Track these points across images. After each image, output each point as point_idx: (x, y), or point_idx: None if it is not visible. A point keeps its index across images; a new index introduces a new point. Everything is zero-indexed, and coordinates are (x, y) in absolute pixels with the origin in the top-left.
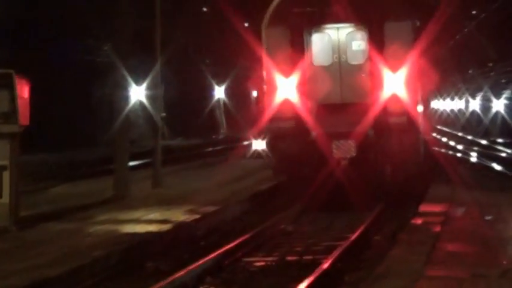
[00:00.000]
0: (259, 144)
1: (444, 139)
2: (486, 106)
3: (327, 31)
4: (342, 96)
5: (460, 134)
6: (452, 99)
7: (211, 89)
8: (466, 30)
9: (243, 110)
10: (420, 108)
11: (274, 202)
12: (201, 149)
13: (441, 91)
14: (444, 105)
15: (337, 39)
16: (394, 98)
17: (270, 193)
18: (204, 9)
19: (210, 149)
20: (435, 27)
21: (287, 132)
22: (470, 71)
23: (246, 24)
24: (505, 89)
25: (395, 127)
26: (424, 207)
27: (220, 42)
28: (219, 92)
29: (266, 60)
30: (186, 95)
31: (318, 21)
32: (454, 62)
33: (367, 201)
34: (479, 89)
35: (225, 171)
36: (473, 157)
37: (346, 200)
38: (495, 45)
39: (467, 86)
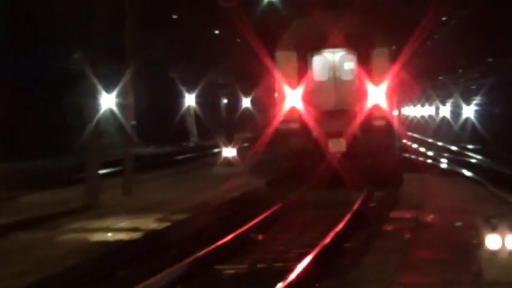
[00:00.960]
0: (229, 152)
1: (415, 145)
2: (456, 112)
3: (325, 54)
4: (336, 104)
5: (430, 140)
6: (423, 105)
7: (182, 97)
8: (436, 36)
9: (213, 118)
10: (395, 113)
11: (246, 210)
12: (171, 157)
13: (412, 98)
14: (415, 111)
15: (332, 60)
16: (376, 106)
17: (241, 201)
18: (175, 16)
19: (181, 156)
20: (408, 50)
21: (294, 132)
22: (440, 78)
23: (216, 32)
24: (475, 95)
25: (377, 129)
26: (395, 214)
27: (190, 49)
28: (190, 100)
29: (278, 75)
30: (157, 103)
31: (318, 47)
32: (425, 68)
33: (355, 184)
34: (449, 96)
35: (196, 179)
36: (444, 163)
37: (339, 183)
38: (465, 52)
39: (438, 92)
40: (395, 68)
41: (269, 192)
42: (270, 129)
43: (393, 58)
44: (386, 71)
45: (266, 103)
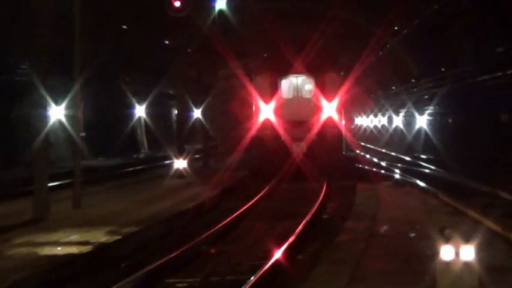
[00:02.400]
0: (180, 164)
1: (367, 156)
2: (409, 122)
3: (290, 78)
4: (298, 116)
5: (383, 150)
6: (376, 115)
7: (132, 108)
8: (388, 46)
9: (164, 129)
10: (343, 123)
11: (198, 222)
12: (122, 169)
13: (364, 108)
14: (367, 121)
15: (296, 83)
16: (329, 118)
17: (193, 212)
18: (124, 27)
19: (131, 168)
20: (353, 75)
21: (267, 137)
22: (393, 87)
23: (166, 42)
24: (427, 105)
25: (329, 135)
26: (348, 224)
27: (141, 59)
28: (140, 111)
29: (254, 94)
30: (107, 114)
31: (285, 72)
32: (378, 79)
33: (314, 177)
34: (402, 106)
35: (147, 191)
36: (397, 174)
37: (302, 176)
38: (417, 62)
39: (391, 102)
40: (344, 88)
41: (222, 202)
42: (248, 136)
43: (342, 81)
44: (337, 91)
45: (232, 115)
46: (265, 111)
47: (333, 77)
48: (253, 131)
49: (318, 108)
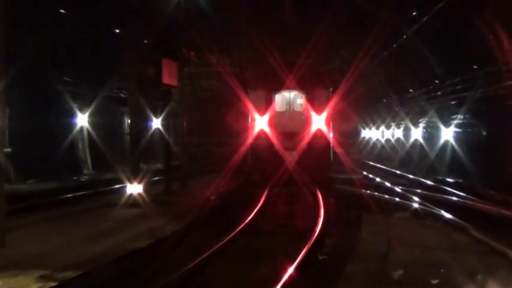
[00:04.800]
0: (135, 188)
1: (378, 179)
2: (431, 135)
3: (283, 93)
4: (291, 128)
5: (398, 171)
6: (388, 127)
7: (72, 116)
8: (404, 37)
9: (114, 143)
10: (331, 134)
11: (156, 264)
12: (59, 195)
13: (373, 117)
14: (377, 134)
15: (288, 97)
16: (319, 129)
17: (148, 252)
18: (62, 11)
19: (71, 194)
20: (341, 91)
21: (262, 147)
22: (410, 91)
23: (117, 31)
24: (455, 113)
25: (318, 145)
26: (351, 267)
27: (84, 54)
28: (82, 120)
29: (250, 107)
30: (39, 124)
31: (278, 88)
32: (388, 79)
33: (305, 183)
34: (422, 114)
35: (90, 224)
36: (415, 202)
37: (293, 182)
38: (441, 57)
39: (407, 110)
40: (332, 102)
41: (188, 238)
42: (244, 146)
43: (330, 96)
44: (326, 105)
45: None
46: (260, 123)
47: (322, 92)
48: (248, 141)
49: (308, 121)
